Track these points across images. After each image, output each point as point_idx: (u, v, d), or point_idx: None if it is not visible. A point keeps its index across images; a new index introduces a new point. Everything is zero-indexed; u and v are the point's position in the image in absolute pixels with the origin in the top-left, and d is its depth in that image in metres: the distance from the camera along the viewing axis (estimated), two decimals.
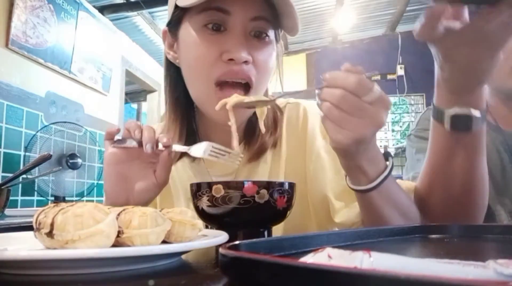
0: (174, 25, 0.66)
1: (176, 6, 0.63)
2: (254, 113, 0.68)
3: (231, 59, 0.60)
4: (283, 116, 0.75)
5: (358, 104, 0.46)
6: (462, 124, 0.58)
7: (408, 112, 4.58)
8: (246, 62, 0.61)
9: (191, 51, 0.63)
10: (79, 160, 2.02)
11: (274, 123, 0.73)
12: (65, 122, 2.14)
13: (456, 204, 0.64)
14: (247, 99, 0.58)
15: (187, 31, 0.63)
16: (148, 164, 0.62)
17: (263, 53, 0.63)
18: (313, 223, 0.72)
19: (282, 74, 0.74)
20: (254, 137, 0.71)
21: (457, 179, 0.63)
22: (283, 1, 0.59)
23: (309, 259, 0.24)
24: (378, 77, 4.53)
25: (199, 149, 0.59)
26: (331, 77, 0.48)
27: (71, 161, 1.98)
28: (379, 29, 4.45)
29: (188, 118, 0.72)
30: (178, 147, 0.61)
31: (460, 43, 0.50)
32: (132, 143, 0.59)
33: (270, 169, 0.72)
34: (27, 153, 1.92)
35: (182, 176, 0.75)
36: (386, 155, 0.55)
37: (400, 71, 4.42)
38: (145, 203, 0.61)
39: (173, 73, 0.70)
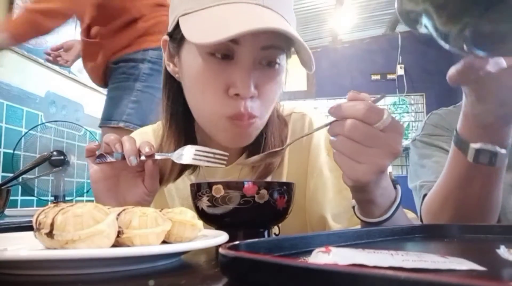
0: (176, 39, 0.61)
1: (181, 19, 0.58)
2: (260, 132, 0.65)
3: (237, 94, 0.56)
4: (287, 128, 0.71)
5: (371, 132, 0.43)
6: (486, 159, 0.57)
7: (408, 112, 4.58)
8: (251, 97, 0.57)
9: (196, 79, 0.58)
10: (63, 157, 1.94)
11: (280, 142, 0.68)
12: (56, 121, 2.13)
13: (468, 221, 0.64)
14: (253, 159, 0.56)
15: (192, 54, 0.57)
16: (136, 174, 0.61)
17: (270, 82, 0.59)
18: None
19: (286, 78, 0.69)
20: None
21: (472, 204, 0.63)
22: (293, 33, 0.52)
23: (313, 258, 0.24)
24: (378, 77, 4.53)
25: (182, 155, 0.58)
26: (337, 109, 0.45)
27: (53, 158, 1.91)
28: (379, 29, 4.44)
29: (186, 128, 0.68)
30: (160, 155, 0.59)
31: (496, 87, 0.50)
32: (114, 157, 0.58)
33: None
34: (16, 152, 1.91)
35: (179, 186, 0.73)
36: (393, 183, 0.53)
37: (400, 71, 4.42)
38: None
39: (173, 84, 0.66)
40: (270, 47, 0.56)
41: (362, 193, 0.50)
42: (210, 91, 0.57)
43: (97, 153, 0.60)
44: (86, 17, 1.34)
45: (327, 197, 0.66)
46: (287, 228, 0.60)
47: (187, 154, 0.58)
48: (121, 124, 1.21)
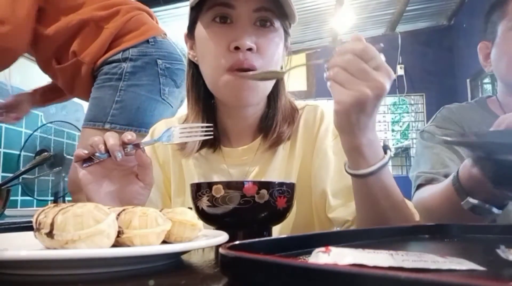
0: (191, 27, 0.73)
1: (191, 10, 0.70)
2: (271, 107, 0.75)
3: (237, 48, 0.64)
4: (298, 114, 0.78)
5: (363, 67, 0.49)
6: (480, 212, 0.62)
7: (408, 112, 4.57)
8: (250, 49, 0.64)
9: (203, 45, 0.69)
10: (46, 153, 1.91)
11: (292, 115, 0.77)
12: (52, 122, 2.13)
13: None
14: (255, 72, 0.63)
15: (200, 29, 0.70)
16: (128, 170, 0.62)
17: (266, 39, 0.67)
18: (315, 220, 0.74)
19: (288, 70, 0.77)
20: (272, 129, 0.74)
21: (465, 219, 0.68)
22: None
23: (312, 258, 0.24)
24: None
25: (170, 136, 0.61)
26: (341, 46, 0.52)
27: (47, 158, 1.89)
28: (379, 29, 4.44)
29: (208, 112, 0.76)
30: (147, 142, 0.61)
31: None
32: (100, 157, 0.58)
33: (284, 166, 0.74)
34: (23, 153, 1.90)
35: (199, 169, 0.76)
36: (385, 148, 0.57)
37: (400, 71, 4.41)
38: None
39: (194, 70, 0.76)
40: (261, 9, 0.66)
41: (348, 135, 0.54)
42: (215, 50, 0.66)
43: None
44: (48, 49, 1.30)
45: (329, 175, 0.71)
46: (295, 208, 0.64)
47: (174, 134, 0.60)
48: (107, 126, 1.19)
